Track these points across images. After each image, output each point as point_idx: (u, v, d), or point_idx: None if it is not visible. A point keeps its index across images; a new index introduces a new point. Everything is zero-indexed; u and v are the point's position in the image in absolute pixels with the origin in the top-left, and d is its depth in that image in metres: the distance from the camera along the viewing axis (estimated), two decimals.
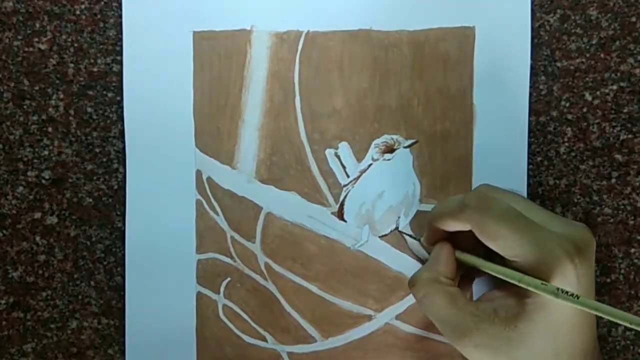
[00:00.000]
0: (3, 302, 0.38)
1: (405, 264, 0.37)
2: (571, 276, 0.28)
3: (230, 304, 0.38)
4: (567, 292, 0.28)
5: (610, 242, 0.37)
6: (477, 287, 0.37)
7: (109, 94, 0.38)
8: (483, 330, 0.29)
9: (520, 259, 0.29)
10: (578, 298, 0.28)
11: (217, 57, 0.37)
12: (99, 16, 0.37)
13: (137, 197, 0.37)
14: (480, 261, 0.32)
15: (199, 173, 0.38)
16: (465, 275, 0.35)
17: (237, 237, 0.38)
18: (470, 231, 0.31)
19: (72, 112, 0.38)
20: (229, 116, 0.37)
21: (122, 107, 0.37)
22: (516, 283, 0.30)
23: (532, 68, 0.37)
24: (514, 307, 0.30)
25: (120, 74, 0.37)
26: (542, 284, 0.28)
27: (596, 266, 0.37)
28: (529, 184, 0.37)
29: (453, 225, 0.32)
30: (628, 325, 0.27)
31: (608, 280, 0.37)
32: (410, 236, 0.37)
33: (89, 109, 0.38)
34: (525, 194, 0.37)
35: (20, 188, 0.38)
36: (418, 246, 0.37)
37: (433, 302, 0.31)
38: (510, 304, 0.30)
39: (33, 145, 0.38)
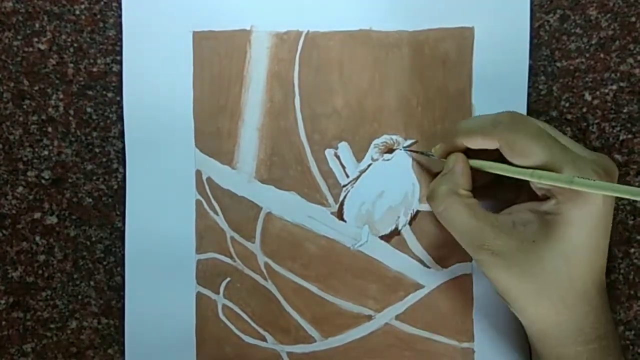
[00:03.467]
0: (3, 302, 0.38)
1: (405, 264, 0.37)
2: (598, 195, 0.29)
3: (230, 304, 0.38)
4: (577, 182, 0.28)
5: (610, 242, 0.37)
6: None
7: (109, 94, 0.38)
8: (501, 241, 0.30)
9: None
10: (594, 181, 0.28)
11: (217, 57, 0.37)
12: (98, 16, 0.37)
13: (137, 197, 0.37)
14: (493, 164, 0.32)
15: (198, 173, 0.38)
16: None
17: (236, 237, 0.38)
18: (483, 151, 0.31)
19: (71, 112, 0.38)
20: (229, 116, 0.37)
21: (121, 107, 0.37)
22: (528, 178, 0.30)
23: (531, 68, 0.37)
24: (532, 223, 0.30)
25: (120, 74, 0.37)
26: (557, 174, 0.29)
27: None
28: None
29: (481, 142, 0.32)
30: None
31: (608, 280, 0.37)
32: (417, 152, 0.37)
33: (88, 109, 0.38)
34: None
35: (20, 188, 0.38)
36: (419, 247, 0.37)
37: (453, 214, 0.31)
38: (529, 219, 0.31)
39: (33, 145, 0.38)
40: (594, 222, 0.29)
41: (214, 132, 0.37)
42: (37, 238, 0.38)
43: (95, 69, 0.38)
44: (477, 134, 0.32)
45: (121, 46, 0.37)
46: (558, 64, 0.37)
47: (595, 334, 0.30)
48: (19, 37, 0.37)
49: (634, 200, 0.37)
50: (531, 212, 0.31)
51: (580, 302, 0.30)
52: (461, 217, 0.31)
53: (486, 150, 0.32)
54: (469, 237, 0.31)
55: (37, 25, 0.37)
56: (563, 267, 0.29)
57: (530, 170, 0.30)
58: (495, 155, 0.31)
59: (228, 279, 0.38)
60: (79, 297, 0.38)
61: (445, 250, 0.37)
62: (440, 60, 0.37)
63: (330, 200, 0.37)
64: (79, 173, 0.38)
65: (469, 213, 0.31)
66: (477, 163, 0.33)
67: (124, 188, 0.38)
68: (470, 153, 0.33)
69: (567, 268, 0.29)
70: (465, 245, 0.31)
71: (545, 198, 0.31)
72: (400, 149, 0.37)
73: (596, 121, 0.37)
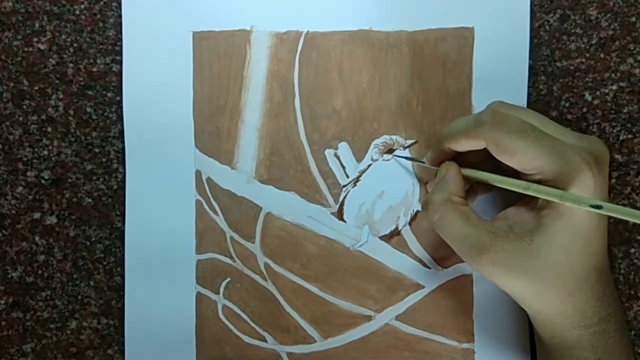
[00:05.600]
0: (2, 302, 0.38)
1: (405, 264, 0.37)
2: (589, 185, 0.29)
3: (230, 305, 0.38)
4: (567, 198, 0.28)
5: (610, 242, 0.37)
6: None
7: (109, 94, 0.38)
8: (500, 246, 0.30)
9: (539, 171, 0.29)
10: (579, 203, 0.28)
11: (217, 57, 0.37)
12: (98, 16, 0.37)
13: (136, 197, 0.37)
14: (486, 175, 0.32)
15: (198, 173, 0.37)
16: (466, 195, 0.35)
17: (236, 237, 0.38)
18: (473, 152, 0.31)
19: (71, 112, 0.38)
20: (229, 116, 0.37)
21: (121, 107, 0.37)
22: (522, 191, 0.30)
23: (531, 68, 0.36)
24: (529, 222, 0.30)
25: (119, 74, 0.37)
26: (549, 188, 0.29)
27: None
28: None
29: (466, 144, 0.31)
30: (632, 220, 0.27)
31: None
32: (407, 158, 0.37)
33: (88, 109, 0.38)
34: None
35: (20, 188, 0.38)
36: (419, 247, 0.37)
37: (449, 223, 0.31)
38: (526, 219, 0.31)
39: (32, 145, 0.38)
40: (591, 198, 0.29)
41: (213, 132, 0.37)
42: (37, 238, 0.38)
43: (95, 69, 0.38)
44: (461, 136, 0.31)
45: (121, 46, 0.37)
46: (558, 64, 0.37)
47: (598, 317, 0.30)
48: (19, 37, 0.37)
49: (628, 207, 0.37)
50: (526, 212, 0.31)
51: (583, 288, 0.30)
52: (457, 224, 0.31)
53: (478, 151, 0.31)
54: (466, 245, 0.31)
55: (37, 25, 0.37)
56: (563, 257, 0.29)
57: (526, 184, 0.30)
58: (489, 154, 0.31)
59: (228, 279, 0.38)
60: (79, 297, 0.38)
61: (445, 250, 0.37)
62: (440, 60, 0.37)
63: (330, 200, 0.37)
64: (78, 173, 0.38)
65: (464, 220, 0.31)
66: (470, 172, 0.33)
67: (123, 188, 0.38)
68: (463, 158, 0.33)
69: (568, 257, 0.29)
70: (464, 253, 0.31)
71: None
72: (393, 157, 0.37)
73: (596, 121, 0.37)
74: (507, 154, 0.30)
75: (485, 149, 0.31)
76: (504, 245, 0.30)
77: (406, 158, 0.37)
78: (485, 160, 0.32)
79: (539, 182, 0.30)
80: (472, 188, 0.35)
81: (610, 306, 0.31)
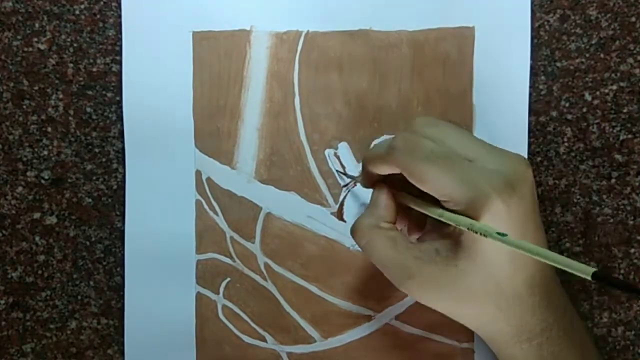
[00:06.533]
0: (2, 302, 0.38)
1: None
2: (501, 213, 0.28)
3: (230, 305, 0.38)
4: (476, 228, 0.28)
5: (610, 242, 0.37)
6: None
7: (109, 94, 0.38)
8: (426, 272, 0.30)
9: (450, 199, 0.29)
10: (485, 233, 0.27)
11: (217, 57, 0.37)
12: (98, 16, 0.37)
13: (136, 197, 0.37)
14: (408, 197, 0.32)
15: (198, 173, 0.37)
16: (416, 220, 0.34)
17: (236, 237, 0.38)
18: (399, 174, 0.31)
19: (71, 112, 0.38)
20: (229, 116, 0.37)
21: (121, 107, 0.37)
22: (437, 218, 0.30)
23: (532, 68, 0.36)
24: (452, 245, 0.30)
25: (119, 74, 0.37)
26: (460, 218, 0.28)
27: (596, 265, 0.37)
28: None
29: (384, 169, 0.31)
30: (533, 255, 0.26)
31: None
32: (346, 175, 0.37)
33: (88, 109, 0.38)
34: None
35: (20, 188, 0.38)
36: None
37: (376, 248, 0.31)
38: (449, 243, 0.30)
39: (32, 145, 0.38)
40: (504, 229, 0.28)
41: (213, 132, 0.37)
42: (37, 238, 0.38)
43: (95, 69, 0.38)
44: (377, 161, 0.31)
45: (121, 46, 0.37)
46: (558, 64, 0.37)
47: (539, 329, 0.30)
48: (19, 37, 0.37)
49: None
50: (449, 236, 0.30)
51: (515, 303, 0.29)
52: (384, 250, 0.31)
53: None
54: (394, 271, 0.30)
55: (37, 25, 0.37)
56: (488, 277, 0.29)
57: (440, 211, 0.29)
58: None
59: (228, 279, 0.38)
60: (79, 297, 0.38)
61: None
62: (440, 60, 0.37)
63: (330, 200, 0.37)
64: (78, 173, 0.38)
65: (390, 246, 0.31)
66: (397, 195, 0.32)
67: (123, 188, 0.38)
68: (396, 177, 0.32)
69: (493, 276, 0.29)
70: (392, 278, 0.31)
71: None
72: (337, 172, 0.37)
73: (596, 121, 0.37)
74: (418, 181, 0.29)
75: None
76: (430, 270, 0.30)
77: (345, 175, 0.37)
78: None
79: (452, 210, 0.29)
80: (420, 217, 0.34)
81: (550, 316, 0.30)
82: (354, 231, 0.32)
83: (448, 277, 0.29)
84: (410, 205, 0.32)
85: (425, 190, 0.30)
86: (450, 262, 0.29)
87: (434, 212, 0.30)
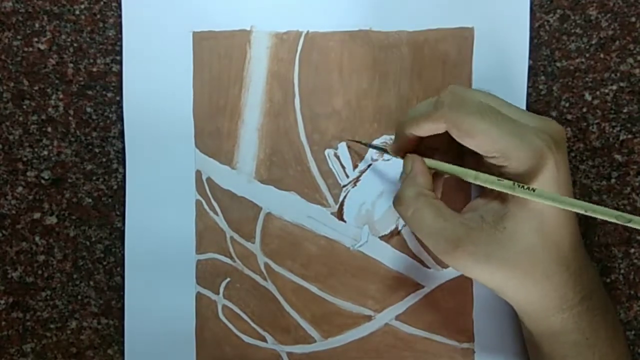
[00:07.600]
0: (2, 302, 0.38)
1: (405, 264, 0.37)
2: (551, 165, 0.28)
3: (230, 305, 0.38)
4: (522, 186, 0.28)
5: (610, 242, 0.37)
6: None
7: (109, 94, 0.38)
8: (475, 238, 0.29)
9: (500, 153, 0.29)
10: (534, 191, 0.28)
11: (217, 58, 0.37)
12: (98, 16, 0.37)
13: (136, 198, 0.37)
14: (439, 164, 0.31)
15: (198, 173, 0.38)
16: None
17: (236, 237, 0.38)
18: (436, 137, 0.31)
19: (71, 112, 0.38)
20: (229, 116, 0.37)
21: (121, 107, 0.37)
22: (472, 181, 0.30)
23: (531, 68, 0.36)
24: (498, 210, 0.30)
25: (119, 74, 0.37)
26: (497, 179, 0.29)
27: (596, 265, 0.37)
28: None
29: (427, 128, 0.31)
30: (584, 213, 0.27)
31: (608, 280, 0.37)
32: (377, 147, 0.36)
33: (88, 109, 0.38)
34: None
35: (20, 188, 0.38)
36: (419, 247, 0.37)
37: (422, 217, 0.30)
38: (495, 208, 0.30)
39: (32, 146, 0.38)
40: (555, 186, 0.29)
41: (213, 132, 0.37)
42: (37, 238, 0.38)
43: (95, 69, 0.38)
44: (422, 119, 0.30)
45: (121, 46, 0.37)
46: (558, 64, 0.37)
47: (579, 297, 0.30)
48: (19, 37, 0.37)
49: (627, 202, 0.37)
50: (493, 200, 0.31)
51: (560, 269, 0.30)
52: (430, 219, 0.30)
53: (440, 136, 0.31)
54: (441, 239, 0.30)
55: (37, 25, 0.37)
56: (537, 240, 0.29)
57: (475, 173, 0.29)
58: (450, 139, 0.30)
59: (228, 279, 0.38)
60: (79, 297, 0.38)
61: None
62: (440, 60, 0.37)
63: (330, 200, 0.37)
64: (78, 173, 0.38)
65: (437, 214, 0.30)
66: (429, 163, 0.32)
67: (123, 188, 0.38)
68: (424, 146, 0.33)
69: (541, 240, 0.29)
70: (439, 248, 0.30)
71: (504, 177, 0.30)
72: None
73: (596, 121, 0.37)
74: (467, 136, 0.29)
75: (447, 134, 0.30)
76: (479, 236, 0.29)
77: (375, 147, 0.36)
78: (446, 145, 0.32)
79: (499, 163, 0.29)
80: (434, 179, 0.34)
81: (590, 283, 0.30)
82: (398, 203, 0.32)
83: (496, 243, 0.29)
84: (443, 170, 0.31)
85: (472, 147, 0.29)
86: (497, 226, 0.29)
87: (469, 175, 0.30)
